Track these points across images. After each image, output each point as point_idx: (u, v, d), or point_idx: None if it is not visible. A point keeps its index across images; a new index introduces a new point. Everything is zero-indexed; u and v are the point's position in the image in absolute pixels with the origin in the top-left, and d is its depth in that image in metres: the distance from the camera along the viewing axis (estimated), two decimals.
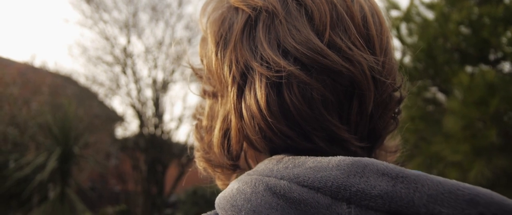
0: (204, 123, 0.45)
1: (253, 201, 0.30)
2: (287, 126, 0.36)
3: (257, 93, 0.36)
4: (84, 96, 12.15)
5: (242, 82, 0.38)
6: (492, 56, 5.20)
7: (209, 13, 0.43)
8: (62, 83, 11.76)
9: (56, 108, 9.12)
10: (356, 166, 0.31)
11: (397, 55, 5.90)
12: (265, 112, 0.36)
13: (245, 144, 0.40)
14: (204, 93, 0.44)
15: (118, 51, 13.77)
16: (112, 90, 13.66)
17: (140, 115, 12.15)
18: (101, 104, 12.95)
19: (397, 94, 0.43)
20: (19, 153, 8.69)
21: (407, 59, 5.78)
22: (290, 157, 0.34)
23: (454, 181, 0.31)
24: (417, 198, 0.28)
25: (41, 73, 11.43)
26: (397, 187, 0.29)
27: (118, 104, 22.45)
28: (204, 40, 0.43)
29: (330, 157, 0.32)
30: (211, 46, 0.41)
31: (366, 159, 0.32)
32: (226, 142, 0.41)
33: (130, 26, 13.76)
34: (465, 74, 4.63)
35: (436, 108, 6.02)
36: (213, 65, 0.40)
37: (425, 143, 5.89)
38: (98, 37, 14.26)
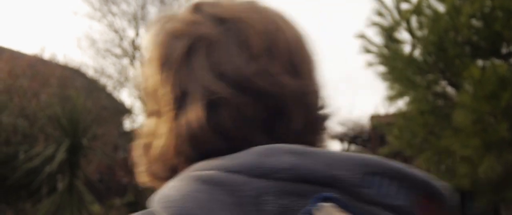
0: (146, 140, 0.49)
1: (183, 189, 0.37)
2: (223, 140, 0.41)
3: (195, 114, 0.42)
4: (92, 88, 12.21)
5: (182, 103, 0.43)
6: (504, 50, 5.10)
7: (153, 37, 0.48)
8: (71, 76, 11.83)
9: (65, 100, 9.17)
10: (269, 149, 0.38)
11: (407, 48, 5.83)
12: (201, 130, 0.41)
13: (180, 159, 0.45)
14: (147, 112, 0.49)
15: (126, 44, 13.80)
16: (120, 82, 13.72)
17: None
18: (109, 96, 13.01)
19: (323, 112, 0.49)
20: (28, 145, 8.77)
21: (417, 53, 5.71)
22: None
23: (347, 153, 0.38)
24: (318, 166, 0.35)
25: (50, 65, 11.50)
26: (302, 160, 0.36)
27: (126, 96, 22.58)
28: (147, 62, 0.48)
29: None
30: (154, 69, 0.46)
31: (277, 144, 0.38)
32: (165, 157, 0.46)
33: (138, 19, 13.76)
34: (476, 67, 4.56)
35: (446, 102, 5.95)
36: (156, 87, 0.45)
37: (435, 137, 5.82)
38: (107, 30, 14.28)
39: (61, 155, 8.03)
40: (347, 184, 0.35)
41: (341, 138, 21.07)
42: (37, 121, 9.29)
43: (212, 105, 0.41)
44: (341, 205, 0.34)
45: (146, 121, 0.50)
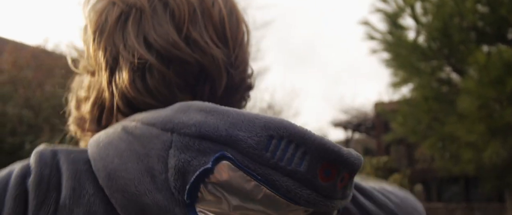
0: (83, 94, 0.54)
1: (111, 136, 0.41)
2: (151, 99, 0.46)
3: (124, 75, 0.46)
4: None
5: (114, 65, 0.47)
6: (510, 35, 5.06)
7: (91, 4, 0.51)
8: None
9: (69, 90, 9.19)
10: (184, 106, 0.40)
11: (411, 34, 5.79)
12: (131, 90, 0.45)
13: (115, 113, 0.49)
14: (85, 70, 0.53)
15: None
16: None
17: None
18: None
19: (248, 81, 0.52)
20: (34, 135, 8.83)
21: (421, 39, 5.66)
22: None
23: (256, 114, 0.38)
24: (221, 125, 0.37)
25: (54, 56, 11.51)
26: (208, 118, 0.38)
27: None
28: (86, 27, 0.51)
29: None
30: (89, 33, 0.49)
31: (194, 101, 0.41)
32: (97, 111, 0.51)
33: None
34: (482, 53, 4.52)
35: (451, 88, 5.92)
36: (91, 50, 0.49)
37: (439, 124, 5.81)
38: None
39: (66, 145, 8.05)
40: (246, 145, 0.36)
41: (344, 125, 21.07)
42: (42, 111, 9.34)
43: (140, 70, 0.45)
44: (237, 165, 0.35)
45: (81, 78, 0.55)
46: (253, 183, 0.36)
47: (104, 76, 0.48)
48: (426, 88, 5.83)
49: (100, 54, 0.48)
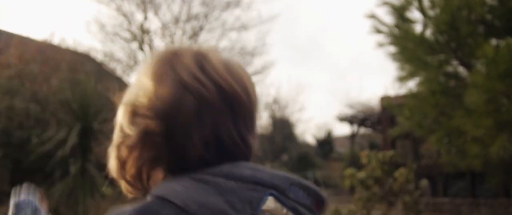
0: (124, 160, 0.64)
1: (184, 184, 0.57)
2: (216, 159, 0.61)
3: (197, 152, 0.61)
4: (102, 73, 12.25)
5: (188, 141, 0.61)
6: None
7: (161, 71, 0.62)
8: (81, 60, 11.87)
9: (75, 84, 9.23)
10: (237, 164, 0.60)
11: (419, 28, 5.74)
12: (194, 162, 0.60)
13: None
14: (129, 138, 0.63)
15: (135, 28, 13.79)
16: (129, 66, 13.77)
17: None
18: (119, 80, 13.06)
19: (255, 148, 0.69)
20: (40, 129, 8.88)
21: (428, 32, 5.61)
22: None
23: (280, 171, 0.62)
24: (265, 176, 0.59)
25: (60, 50, 11.55)
26: (255, 172, 0.59)
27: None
28: (155, 95, 0.61)
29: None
30: (158, 114, 0.60)
31: (242, 162, 0.61)
32: (139, 181, 0.64)
33: (146, 2, 13.71)
34: (490, 46, 4.47)
35: (458, 82, 5.87)
36: (160, 131, 0.60)
37: (446, 118, 5.77)
38: (115, 14, 14.25)
39: (73, 139, 8.12)
40: (281, 188, 0.59)
41: (350, 120, 20.99)
42: (48, 105, 9.39)
43: (207, 151, 0.60)
44: (278, 199, 0.58)
45: (122, 146, 0.64)
46: (285, 210, 0.58)
47: (164, 156, 0.61)
48: (433, 82, 5.78)
49: (186, 144, 0.60)
